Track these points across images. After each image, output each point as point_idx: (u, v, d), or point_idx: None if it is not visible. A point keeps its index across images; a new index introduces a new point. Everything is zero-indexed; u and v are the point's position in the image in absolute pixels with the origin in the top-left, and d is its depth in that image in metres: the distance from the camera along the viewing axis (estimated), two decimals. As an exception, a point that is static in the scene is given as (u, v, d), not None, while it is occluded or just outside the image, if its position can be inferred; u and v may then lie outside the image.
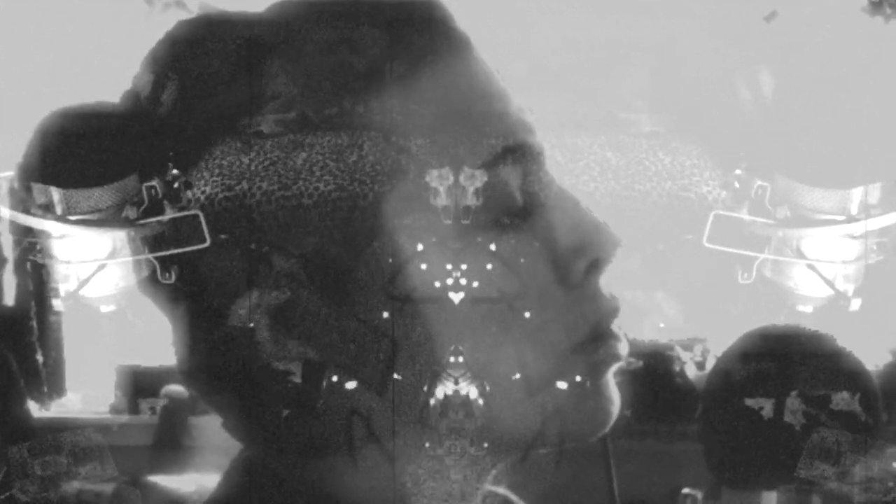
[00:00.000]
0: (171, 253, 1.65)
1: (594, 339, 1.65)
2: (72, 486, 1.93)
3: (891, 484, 1.85)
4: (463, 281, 1.64)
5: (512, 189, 1.65)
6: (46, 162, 1.61)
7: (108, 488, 1.91)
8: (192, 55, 1.69)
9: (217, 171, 1.67)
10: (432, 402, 1.62)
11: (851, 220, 1.82)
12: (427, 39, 1.69)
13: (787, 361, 1.74)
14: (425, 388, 1.62)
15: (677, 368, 2.10)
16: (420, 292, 1.63)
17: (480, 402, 1.63)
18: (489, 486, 1.78)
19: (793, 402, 1.72)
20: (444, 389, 1.62)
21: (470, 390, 1.62)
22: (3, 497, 1.92)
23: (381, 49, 1.65)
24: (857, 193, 1.83)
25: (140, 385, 2.09)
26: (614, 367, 1.68)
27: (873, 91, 1.91)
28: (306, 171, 1.64)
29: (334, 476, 1.66)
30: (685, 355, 2.13)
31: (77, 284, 1.70)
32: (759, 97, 2.13)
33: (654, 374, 2.02)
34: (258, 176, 1.64)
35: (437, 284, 1.63)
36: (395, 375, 1.62)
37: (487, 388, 1.64)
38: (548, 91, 2.19)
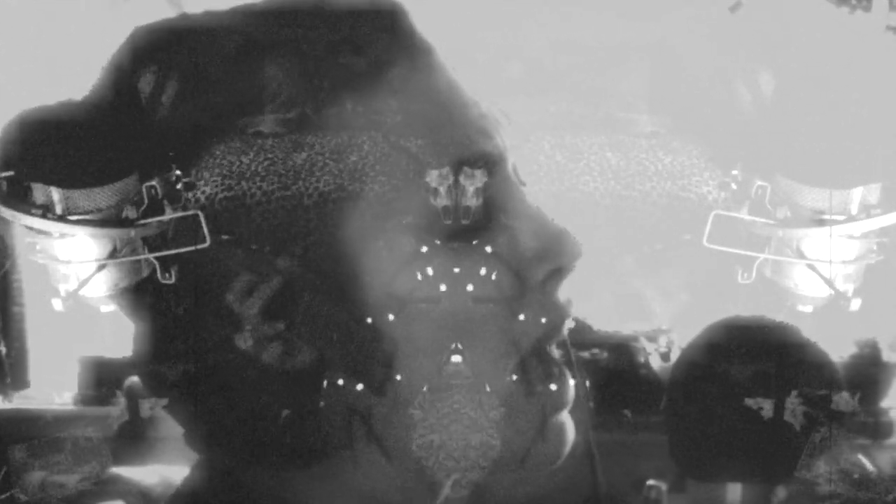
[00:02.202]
0: (171, 253, 1.65)
1: (543, 345, 1.66)
2: (36, 477, 1.93)
3: (856, 476, 1.85)
4: (460, 282, 1.64)
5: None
6: (36, 161, 1.61)
7: (71, 479, 1.92)
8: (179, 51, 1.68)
9: (217, 171, 1.67)
10: (432, 401, 1.61)
11: (851, 219, 1.82)
12: (388, 47, 1.69)
13: (753, 354, 1.73)
14: (425, 389, 1.62)
15: (642, 360, 2.09)
16: (420, 292, 1.63)
17: (481, 400, 1.63)
18: None
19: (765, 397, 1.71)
20: (444, 389, 1.62)
21: (470, 390, 1.62)
22: (3, 497, 1.91)
23: (346, 55, 1.65)
24: (856, 193, 1.83)
25: (103, 376, 2.09)
26: (564, 405, 1.69)
27: (872, 92, 1.91)
28: (306, 171, 1.64)
29: (299, 483, 1.65)
30: (650, 346, 2.13)
31: (77, 284, 1.70)
32: (758, 98, 2.13)
33: (619, 365, 2.02)
34: (258, 176, 1.64)
35: (437, 285, 1.63)
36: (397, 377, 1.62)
37: (487, 389, 1.64)
38: (547, 92, 2.19)
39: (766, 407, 1.71)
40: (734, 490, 1.77)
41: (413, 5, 1.91)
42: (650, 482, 1.92)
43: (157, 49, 1.69)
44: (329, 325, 1.63)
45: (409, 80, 1.69)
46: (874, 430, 1.92)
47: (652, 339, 2.11)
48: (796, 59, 2.01)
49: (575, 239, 1.69)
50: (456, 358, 1.61)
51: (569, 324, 1.71)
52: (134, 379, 1.96)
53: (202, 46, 1.67)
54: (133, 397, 1.95)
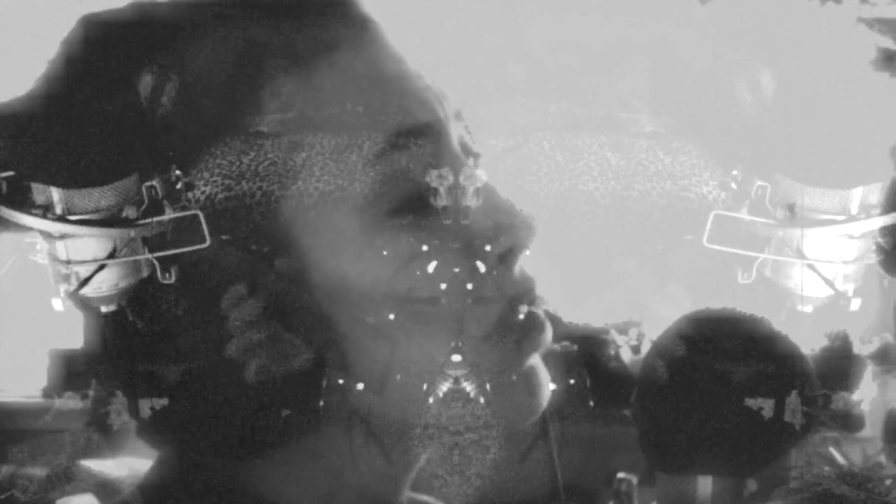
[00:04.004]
0: (171, 253, 1.65)
1: (508, 326, 1.65)
2: (5, 471, 1.93)
3: (826, 468, 1.85)
4: (460, 281, 1.64)
5: (416, 175, 1.63)
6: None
7: (40, 472, 1.92)
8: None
9: (217, 171, 1.67)
10: (431, 399, 1.62)
11: (851, 219, 1.81)
12: (329, 23, 1.68)
13: (723, 346, 1.72)
14: (424, 388, 1.62)
15: (612, 352, 2.08)
16: (419, 292, 1.63)
17: (481, 399, 1.63)
18: (411, 493, 1.79)
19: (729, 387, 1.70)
20: (443, 388, 1.62)
21: (470, 388, 1.62)
22: (3, 497, 1.91)
23: (286, 33, 1.63)
24: (856, 193, 1.83)
25: (72, 369, 2.08)
26: (535, 354, 1.68)
27: (872, 91, 1.91)
28: (306, 171, 1.64)
29: (258, 479, 1.65)
30: (620, 339, 2.12)
31: (77, 284, 1.69)
32: (759, 98, 2.13)
33: (589, 357, 2.01)
34: (258, 176, 1.64)
35: (437, 284, 1.63)
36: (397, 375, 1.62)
37: (488, 388, 1.64)
38: (547, 92, 2.19)
39: (748, 402, 1.69)
40: (704, 483, 1.77)
41: (415, 6, 1.91)
42: (620, 475, 1.92)
43: (111, 38, 1.67)
44: (329, 325, 1.63)
45: (352, 56, 1.68)
46: (845, 423, 1.92)
47: (622, 331, 2.10)
48: (797, 58, 2.01)
49: (528, 215, 1.69)
50: (456, 357, 1.61)
51: (539, 305, 1.71)
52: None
53: (160, 34, 1.65)
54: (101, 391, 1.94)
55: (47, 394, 2.13)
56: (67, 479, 1.91)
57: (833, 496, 1.81)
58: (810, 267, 1.86)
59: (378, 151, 1.59)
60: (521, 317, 1.67)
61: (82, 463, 1.94)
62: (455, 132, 1.71)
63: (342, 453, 1.62)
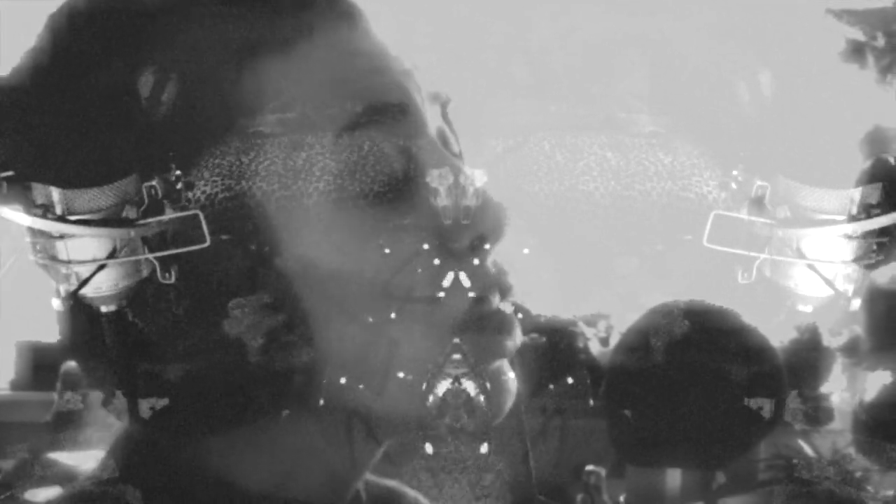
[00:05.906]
0: (171, 253, 1.65)
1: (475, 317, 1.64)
2: None
3: (795, 461, 1.84)
4: (461, 281, 1.64)
5: (386, 154, 1.62)
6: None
7: (7, 464, 1.92)
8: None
9: (217, 171, 1.67)
10: (431, 399, 1.62)
11: (851, 219, 1.81)
12: (331, 22, 1.67)
13: (692, 338, 1.72)
14: (424, 387, 1.62)
15: (581, 344, 2.08)
16: (419, 291, 1.63)
17: (482, 399, 1.63)
18: (370, 476, 1.79)
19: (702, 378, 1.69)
20: (443, 387, 1.62)
21: (470, 387, 1.62)
22: (3, 497, 1.91)
23: (261, 18, 1.62)
24: (856, 193, 1.82)
25: (39, 361, 2.05)
26: (502, 353, 1.68)
27: (873, 90, 1.90)
28: (306, 171, 1.64)
29: (222, 453, 1.64)
30: (589, 331, 2.11)
31: (77, 284, 1.70)
32: (758, 97, 2.13)
33: (558, 349, 2.00)
34: (258, 176, 1.64)
35: (437, 284, 1.63)
36: (399, 374, 1.62)
37: (488, 387, 1.64)
38: (548, 92, 2.19)
39: (717, 395, 1.69)
40: (673, 476, 1.77)
41: (415, 5, 1.91)
42: (589, 468, 1.92)
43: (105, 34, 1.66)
44: (329, 324, 1.63)
45: (353, 55, 1.67)
46: (814, 415, 1.92)
47: (591, 323, 2.09)
48: (788, 54, 2.00)
49: (500, 206, 1.68)
50: (456, 355, 1.62)
51: (507, 301, 1.70)
52: (70, 365, 1.95)
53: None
54: (70, 385, 1.94)
55: (14, 386, 2.11)
56: (34, 471, 1.91)
57: (804, 489, 1.81)
58: (810, 267, 1.86)
59: (341, 131, 1.58)
60: (495, 309, 1.67)
61: (50, 455, 1.93)
62: (431, 117, 1.71)
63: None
